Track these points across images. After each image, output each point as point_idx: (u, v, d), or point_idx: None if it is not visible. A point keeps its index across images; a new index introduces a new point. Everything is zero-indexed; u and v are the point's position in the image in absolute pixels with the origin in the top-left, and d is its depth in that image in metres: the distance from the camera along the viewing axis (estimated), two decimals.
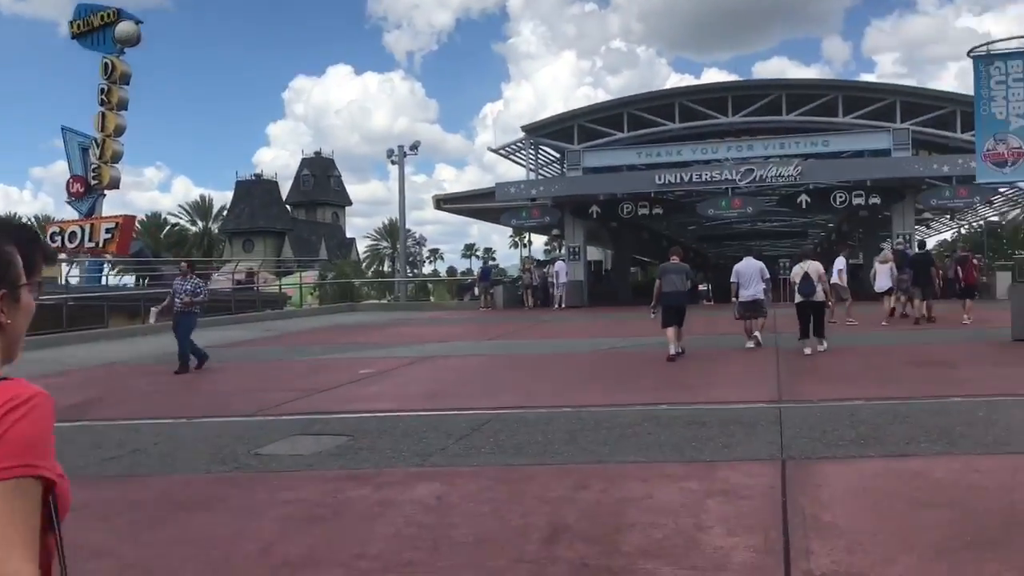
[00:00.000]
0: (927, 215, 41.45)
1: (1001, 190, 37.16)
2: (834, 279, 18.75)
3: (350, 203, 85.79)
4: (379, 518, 5.40)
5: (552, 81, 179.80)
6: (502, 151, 36.47)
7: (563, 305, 30.90)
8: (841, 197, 30.72)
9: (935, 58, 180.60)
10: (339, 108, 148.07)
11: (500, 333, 20.38)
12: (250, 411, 9.67)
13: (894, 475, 5.98)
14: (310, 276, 41.78)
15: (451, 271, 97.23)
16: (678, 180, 31.54)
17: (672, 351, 13.53)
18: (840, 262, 19.59)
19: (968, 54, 14.48)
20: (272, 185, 75.17)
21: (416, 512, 5.49)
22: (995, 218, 50.46)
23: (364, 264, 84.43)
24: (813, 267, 14.13)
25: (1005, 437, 6.97)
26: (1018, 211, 52.25)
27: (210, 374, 13.62)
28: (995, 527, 4.66)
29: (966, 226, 52.24)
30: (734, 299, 15.17)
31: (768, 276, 15.34)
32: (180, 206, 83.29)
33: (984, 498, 5.25)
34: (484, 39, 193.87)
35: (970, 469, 6.03)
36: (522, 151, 36.30)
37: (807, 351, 13.62)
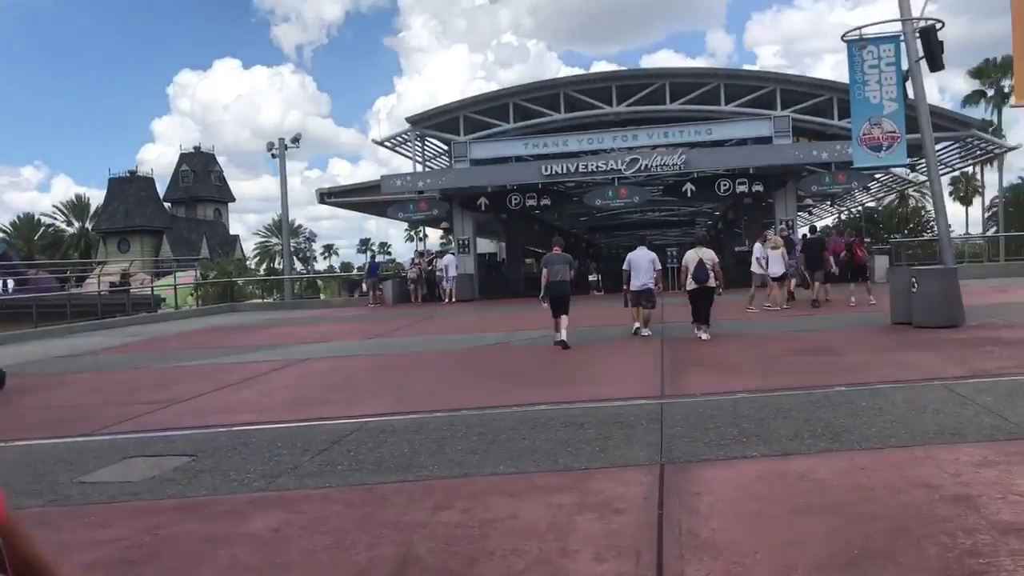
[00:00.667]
0: (808, 201, 42.53)
1: (877, 176, 38.49)
2: (754, 267, 19.29)
3: (233, 199, 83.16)
4: (202, 559, 4.65)
5: (445, 75, 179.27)
6: (387, 143, 35.52)
7: (453, 299, 30.30)
8: (725, 185, 31.09)
9: (812, 51, 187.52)
10: (227, 103, 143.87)
11: (383, 331, 19.59)
12: (87, 430, 8.68)
13: (777, 477, 5.57)
14: (188, 276, 39.85)
15: (346, 267, 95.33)
16: (565, 171, 31.37)
17: (558, 338, 13.93)
18: (758, 249, 19.73)
19: (842, 38, 14.48)
20: (148, 182, 71.90)
21: (247, 550, 4.76)
22: (872, 203, 52.35)
23: (255, 262, 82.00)
24: (707, 254, 14.28)
25: (889, 429, 6.68)
26: (893, 196, 54.44)
27: (51, 388, 12.41)
28: (882, 536, 4.25)
29: (845, 211, 54.07)
30: (625, 287, 15.30)
31: (659, 267, 15.47)
32: (55, 206, 78.71)
33: (870, 502, 4.86)
34: (375, 33, 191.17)
35: (855, 467, 5.67)
36: (408, 143, 35.42)
37: (703, 336, 13.83)
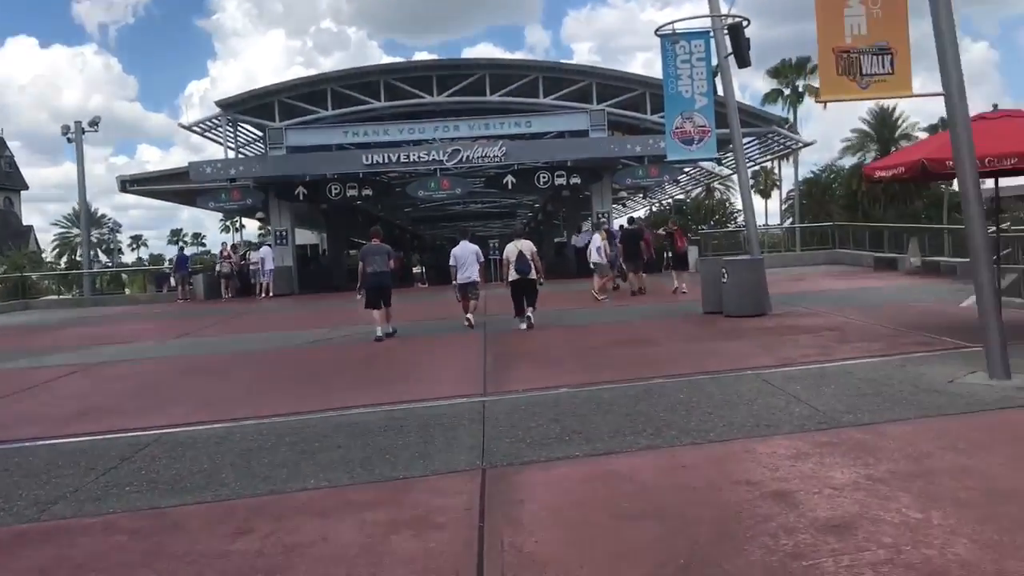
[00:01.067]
0: (623, 194, 43.86)
1: (686, 169, 40.16)
2: (595, 257, 19.50)
3: (26, 186, 76.71)
4: None
5: (262, 60, 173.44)
6: (196, 128, 33.53)
7: (270, 293, 29.11)
8: (544, 177, 31.48)
9: (625, 48, 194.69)
10: (23, 84, 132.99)
11: (191, 329, 18.40)
12: None
13: (601, 479, 5.41)
14: None
15: (156, 259, 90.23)
16: (387, 160, 30.81)
17: (379, 333, 13.73)
18: (597, 239, 20.03)
19: (656, 33, 14.79)
20: None
21: None
22: (681, 196, 54.72)
23: (54, 254, 76.04)
24: (526, 245, 14.49)
25: (707, 422, 6.70)
26: (700, 189, 57.15)
27: None
28: (707, 542, 4.13)
29: (657, 204, 56.28)
30: (454, 282, 15.23)
31: (482, 259, 15.55)
32: None
33: (694, 503, 4.76)
34: (185, 14, 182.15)
35: (677, 465, 5.60)
36: (219, 129, 33.60)
37: (522, 326, 14.01)
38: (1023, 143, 9.35)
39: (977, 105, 8.31)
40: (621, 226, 25.49)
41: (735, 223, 50.68)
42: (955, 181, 8.91)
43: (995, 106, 10.44)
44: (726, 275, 14.40)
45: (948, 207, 45.59)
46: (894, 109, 55.32)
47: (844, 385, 7.90)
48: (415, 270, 43.88)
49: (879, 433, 6.10)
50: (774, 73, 56.61)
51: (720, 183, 58.57)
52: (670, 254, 24.05)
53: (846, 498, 4.64)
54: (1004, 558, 3.68)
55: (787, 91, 56.29)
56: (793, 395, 7.52)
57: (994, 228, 11.12)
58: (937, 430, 6.14)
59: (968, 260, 13.61)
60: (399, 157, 30.81)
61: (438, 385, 9.43)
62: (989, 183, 10.34)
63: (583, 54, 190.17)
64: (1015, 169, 9.50)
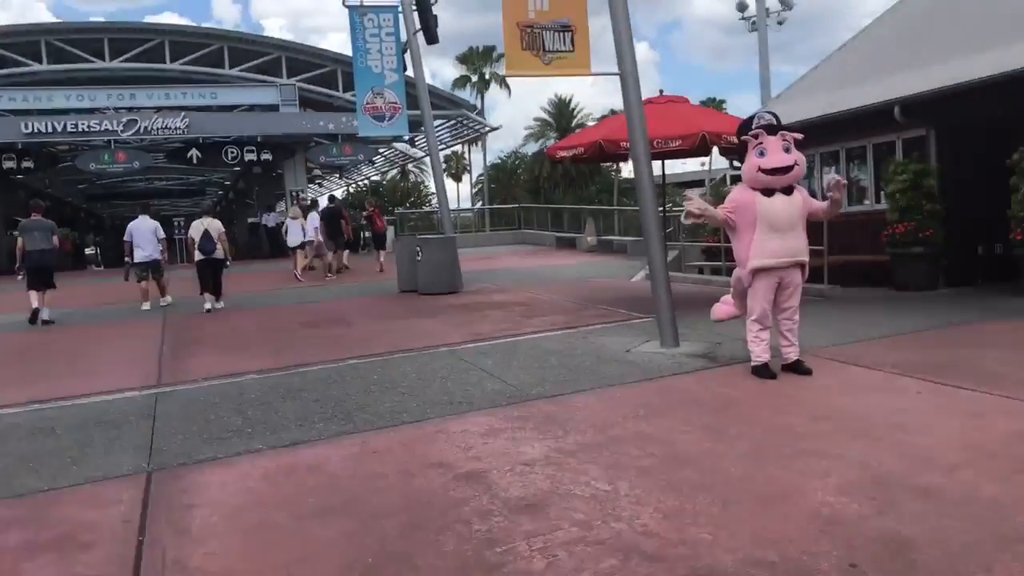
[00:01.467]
0: (318, 172, 42.91)
1: (381, 150, 40.09)
2: (310, 235, 18.95)
3: None
4: None
5: None
6: None
7: None
8: (233, 152, 30.05)
9: (319, 27, 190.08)
10: None
11: None
12: None
13: (285, 474, 4.95)
14: None
15: None
16: (50, 129, 27.76)
17: (36, 308, 12.59)
18: (314, 218, 19.40)
19: (344, 3, 14.37)
20: None
21: None
22: (377, 177, 54.67)
23: None
24: (214, 225, 13.78)
25: (401, 403, 6.46)
26: (396, 171, 57.41)
27: None
28: (398, 535, 3.85)
29: (354, 184, 55.77)
30: (127, 259, 14.29)
31: (163, 236, 14.59)
32: None
33: (385, 492, 4.47)
34: None
35: (367, 452, 5.29)
36: None
37: (207, 307, 13.37)
38: (685, 126, 10.12)
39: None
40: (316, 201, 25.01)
41: (430, 205, 51.45)
42: (625, 164, 9.40)
43: (661, 91, 11.24)
44: (420, 254, 14.39)
45: (618, 191, 49.48)
46: (571, 100, 59.15)
47: (533, 358, 8.04)
48: (88, 251, 40.14)
49: (566, 405, 6.20)
50: (463, 59, 58.16)
51: (415, 166, 59.21)
52: (368, 234, 24.57)
53: (538, 474, 4.58)
54: (686, 526, 3.75)
55: (475, 78, 58.07)
56: (485, 370, 7.51)
57: (661, 208, 11.98)
58: (618, 399, 6.36)
59: (637, 239, 14.60)
60: (66, 126, 27.84)
61: (103, 377, 8.41)
62: (656, 167, 11.10)
63: (274, 31, 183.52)
64: (680, 151, 10.26)
